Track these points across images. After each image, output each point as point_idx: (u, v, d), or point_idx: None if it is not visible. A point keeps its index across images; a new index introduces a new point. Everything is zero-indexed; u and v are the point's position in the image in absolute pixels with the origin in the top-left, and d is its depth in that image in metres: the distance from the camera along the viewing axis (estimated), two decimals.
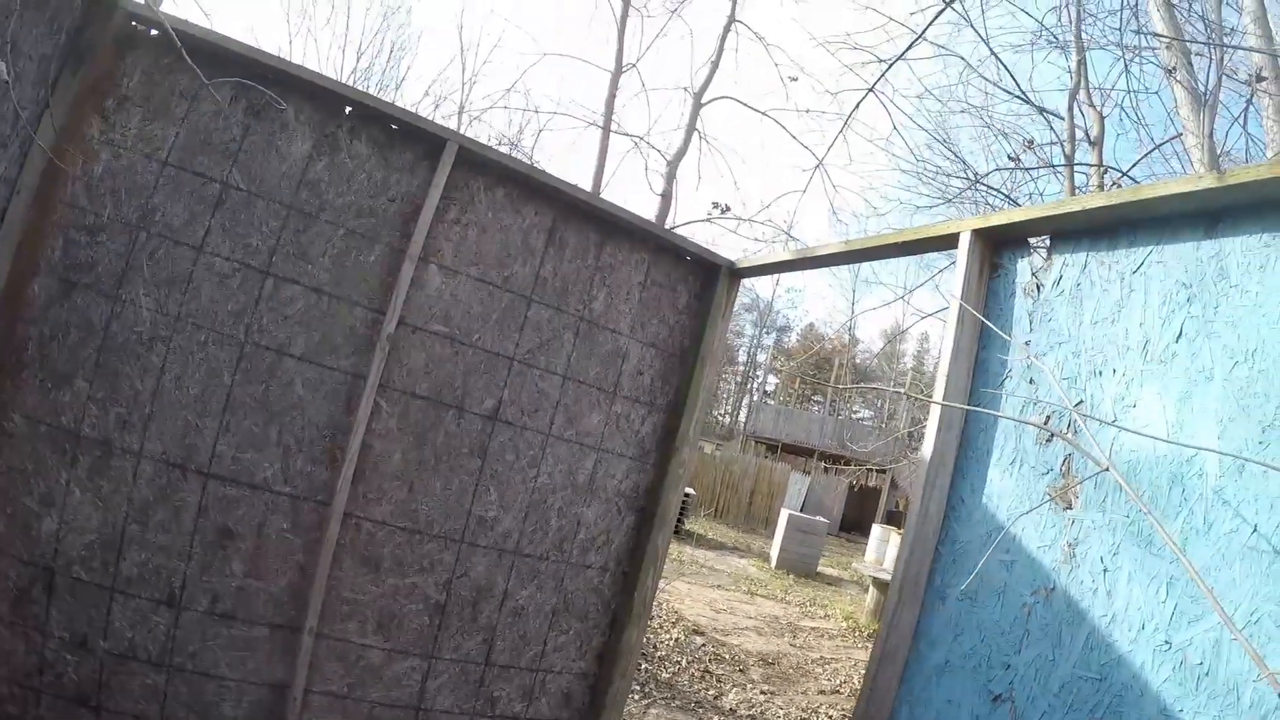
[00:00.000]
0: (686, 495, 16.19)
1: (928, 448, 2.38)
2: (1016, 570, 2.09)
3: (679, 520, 15.85)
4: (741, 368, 53.61)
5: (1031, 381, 2.24)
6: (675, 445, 3.52)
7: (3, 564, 2.73)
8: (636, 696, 6.38)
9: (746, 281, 3.85)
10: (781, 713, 6.88)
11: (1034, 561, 2.05)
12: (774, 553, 15.35)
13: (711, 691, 7.05)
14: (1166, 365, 1.89)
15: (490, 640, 3.31)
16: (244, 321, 2.91)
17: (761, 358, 53.36)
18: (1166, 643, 1.69)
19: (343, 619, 3.09)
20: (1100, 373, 2.06)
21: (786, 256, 3.51)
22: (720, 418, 51.61)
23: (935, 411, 2.38)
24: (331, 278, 3.01)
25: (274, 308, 2.94)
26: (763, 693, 7.34)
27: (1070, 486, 2.03)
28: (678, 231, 3.73)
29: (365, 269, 3.05)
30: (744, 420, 43.35)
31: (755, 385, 52.51)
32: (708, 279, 3.65)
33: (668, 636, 8.41)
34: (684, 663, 7.61)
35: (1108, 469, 1.76)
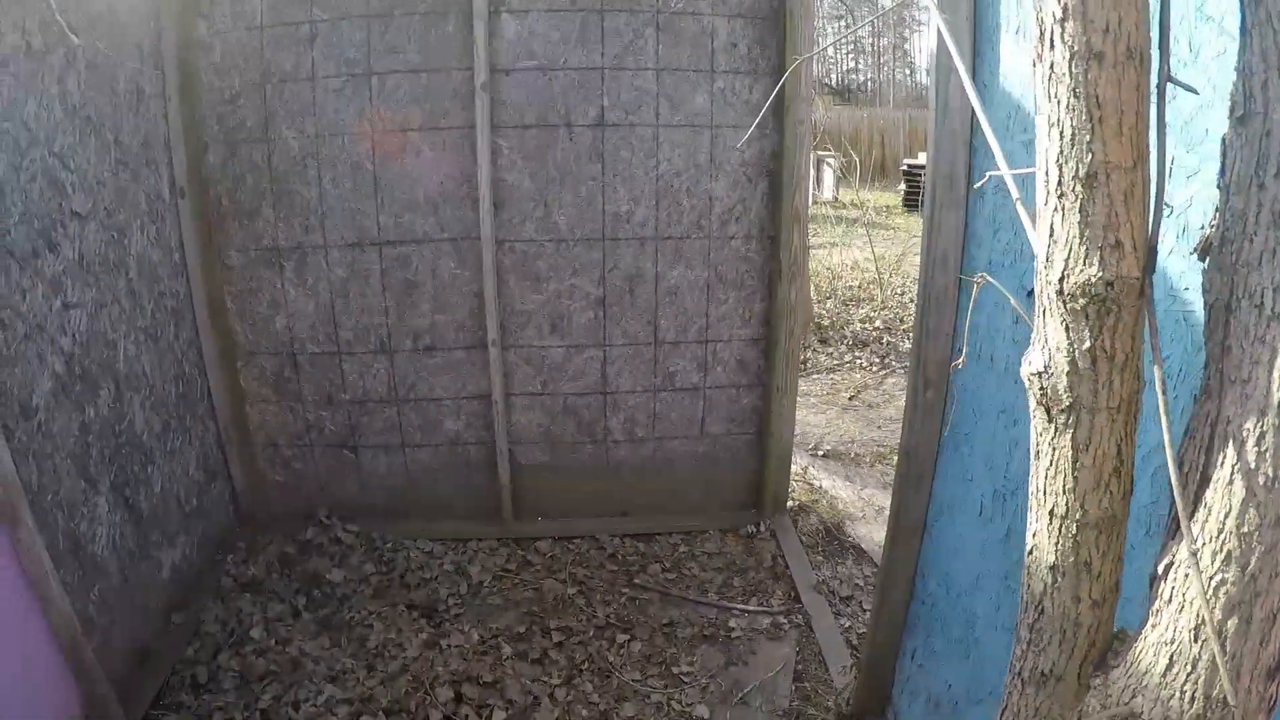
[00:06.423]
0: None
1: (933, 30, 2.13)
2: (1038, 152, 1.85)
3: None
4: None
5: None
6: (786, 106, 3.48)
7: (261, 360, 3.66)
8: (875, 368, 6.56)
9: None
10: None
11: None
12: None
13: None
14: None
15: (653, 320, 3.69)
16: (366, 117, 3.40)
17: None
18: (1169, 206, 1.31)
19: (520, 328, 3.65)
20: None
21: None
22: None
23: None
24: (423, 58, 3.37)
25: (385, 97, 3.39)
26: None
27: None
28: None
29: (447, 39, 3.35)
30: None
31: None
32: None
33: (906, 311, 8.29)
34: None
35: None
